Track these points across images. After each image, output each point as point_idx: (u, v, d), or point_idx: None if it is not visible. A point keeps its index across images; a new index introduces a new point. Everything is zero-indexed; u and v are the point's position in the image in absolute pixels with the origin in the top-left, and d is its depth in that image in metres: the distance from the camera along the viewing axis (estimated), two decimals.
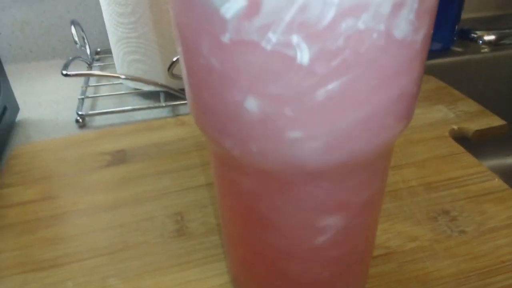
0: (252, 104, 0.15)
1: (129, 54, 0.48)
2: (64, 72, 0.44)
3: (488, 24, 0.67)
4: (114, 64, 0.51)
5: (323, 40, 0.13)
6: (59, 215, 0.33)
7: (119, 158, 0.39)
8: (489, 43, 0.61)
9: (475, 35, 0.62)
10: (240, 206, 0.21)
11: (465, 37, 0.63)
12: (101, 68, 0.58)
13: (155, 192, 0.34)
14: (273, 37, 0.14)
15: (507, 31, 0.62)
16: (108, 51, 0.58)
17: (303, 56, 0.14)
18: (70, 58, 0.50)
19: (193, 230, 0.31)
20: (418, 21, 0.14)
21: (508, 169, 0.60)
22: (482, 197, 0.32)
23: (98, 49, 0.62)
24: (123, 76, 0.47)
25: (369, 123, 0.16)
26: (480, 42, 0.62)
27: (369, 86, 0.15)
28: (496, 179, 0.33)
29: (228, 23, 0.14)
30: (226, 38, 0.14)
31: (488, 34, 0.62)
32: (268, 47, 0.14)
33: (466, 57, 0.59)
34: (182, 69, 0.19)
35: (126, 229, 0.31)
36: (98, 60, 0.60)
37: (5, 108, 0.44)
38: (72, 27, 0.53)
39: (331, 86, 0.14)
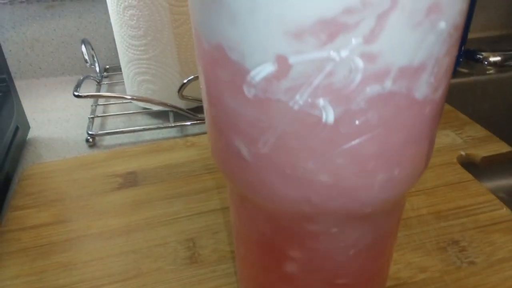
0: (275, 156, 0.16)
1: (140, 75, 0.49)
2: (76, 94, 0.44)
3: (493, 44, 0.68)
4: (123, 81, 0.52)
5: (348, 103, 0.14)
6: (72, 239, 0.33)
7: (130, 180, 0.39)
8: (494, 64, 0.62)
9: (481, 56, 0.63)
10: (256, 238, 0.21)
11: (471, 58, 0.64)
12: (110, 86, 0.59)
13: (166, 217, 0.35)
14: (300, 99, 0.14)
15: None
16: (117, 68, 0.58)
17: (328, 116, 0.14)
18: (81, 77, 0.51)
19: (205, 257, 0.31)
20: (437, 82, 0.15)
21: None
22: (491, 226, 0.32)
23: (107, 66, 0.63)
24: (129, 97, 0.47)
25: (386, 176, 0.16)
26: (486, 63, 0.62)
27: (388, 143, 0.15)
28: (504, 208, 0.34)
29: (257, 84, 0.14)
30: (250, 94, 0.15)
31: (494, 56, 0.62)
32: (296, 107, 0.14)
33: (472, 78, 0.59)
34: (205, 113, 0.19)
35: (139, 255, 0.31)
36: (107, 77, 0.61)
37: (17, 128, 0.45)
38: (83, 46, 0.53)
39: (353, 143, 0.15)
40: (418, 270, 0.29)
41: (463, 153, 0.41)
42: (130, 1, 0.44)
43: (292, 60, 0.13)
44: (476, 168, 0.40)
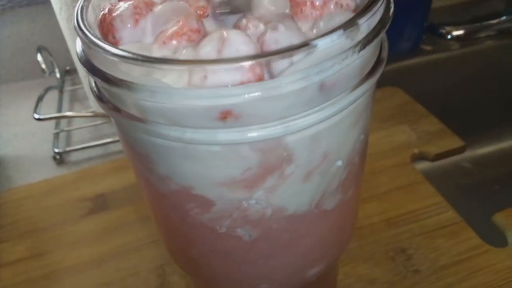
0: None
1: None
2: (37, 117, 0.44)
3: (458, 14, 0.68)
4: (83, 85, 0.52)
5: (262, 227, 0.16)
6: (48, 275, 0.35)
7: (100, 204, 0.41)
8: (457, 38, 0.62)
9: (444, 31, 0.63)
10: None
11: (434, 33, 0.64)
12: (73, 93, 0.58)
13: (137, 243, 0.37)
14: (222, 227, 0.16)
15: (477, 24, 0.63)
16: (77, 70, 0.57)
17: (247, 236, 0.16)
18: (42, 92, 0.50)
19: (174, 284, 0.33)
20: (342, 195, 0.17)
21: None
22: (436, 231, 0.35)
23: (68, 68, 0.61)
24: (92, 114, 0.47)
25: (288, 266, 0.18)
26: (449, 37, 0.63)
27: (300, 249, 0.17)
28: (450, 211, 0.36)
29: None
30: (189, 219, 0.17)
31: (457, 29, 0.62)
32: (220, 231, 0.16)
33: (435, 56, 0.60)
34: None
35: (112, 287, 0.34)
36: (68, 81, 0.60)
37: None
38: (39, 55, 0.52)
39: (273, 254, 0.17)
40: (368, 282, 0.32)
41: (416, 151, 0.43)
42: (70, 11, 0.43)
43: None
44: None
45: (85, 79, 0.49)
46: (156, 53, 0.15)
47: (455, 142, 0.44)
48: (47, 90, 0.52)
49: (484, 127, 0.58)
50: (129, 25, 0.15)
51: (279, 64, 0.13)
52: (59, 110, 0.54)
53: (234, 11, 0.17)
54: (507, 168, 0.55)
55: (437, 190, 0.38)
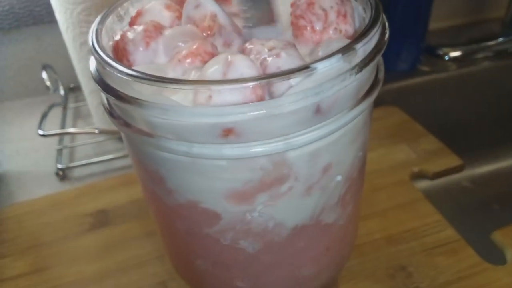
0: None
1: None
2: (41, 133, 0.45)
3: (456, 35, 0.69)
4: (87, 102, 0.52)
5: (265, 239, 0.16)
6: None
7: (101, 219, 0.41)
8: (455, 59, 0.64)
9: (441, 52, 0.64)
10: None
11: (432, 54, 0.65)
12: (76, 110, 0.59)
13: (138, 259, 0.37)
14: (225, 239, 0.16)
15: (475, 46, 0.65)
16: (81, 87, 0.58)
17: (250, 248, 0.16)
18: (46, 109, 0.51)
19: None
20: (342, 209, 0.17)
21: None
22: (436, 249, 0.35)
23: (72, 85, 0.62)
24: (96, 131, 0.48)
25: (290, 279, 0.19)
26: (447, 58, 0.64)
27: (302, 261, 0.17)
28: (449, 229, 0.37)
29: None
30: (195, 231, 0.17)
31: (454, 50, 0.64)
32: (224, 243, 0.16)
33: (433, 76, 0.61)
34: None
35: None
36: (72, 98, 0.60)
37: None
38: (44, 73, 0.53)
39: (274, 265, 0.17)
40: None
41: (415, 169, 0.43)
42: (86, 38, 0.44)
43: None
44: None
45: (89, 96, 0.50)
46: (170, 71, 0.15)
47: (454, 160, 0.44)
48: (51, 107, 0.53)
49: (481, 147, 0.59)
50: (141, 48, 0.15)
51: (280, 86, 0.14)
52: (63, 127, 0.54)
53: (256, 24, 0.18)
54: (505, 187, 0.56)
55: (436, 208, 0.39)
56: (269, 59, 0.16)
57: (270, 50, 0.16)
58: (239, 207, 0.15)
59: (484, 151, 0.59)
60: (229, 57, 0.15)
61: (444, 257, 0.35)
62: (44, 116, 0.47)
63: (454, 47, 0.65)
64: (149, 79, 0.14)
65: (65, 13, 0.43)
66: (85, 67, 0.46)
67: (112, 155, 0.49)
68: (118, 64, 0.14)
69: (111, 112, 0.16)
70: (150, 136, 0.15)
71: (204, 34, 0.17)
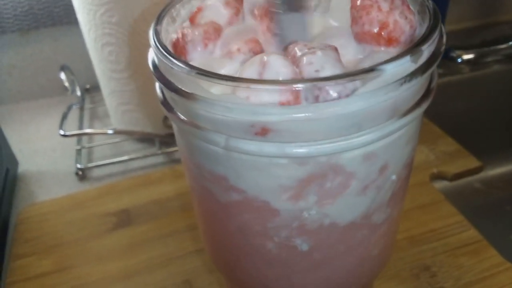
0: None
1: (123, 105, 0.49)
2: (62, 133, 0.45)
3: (468, 38, 0.70)
4: (106, 103, 0.53)
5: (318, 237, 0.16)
6: None
7: (124, 219, 0.41)
8: (468, 62, 0.64)
9: (454, 55, 0.65)
10: None
11: (445, 56, 0.65)
12: (93, 110, 0.59)
13: (162, 258, 0.37)
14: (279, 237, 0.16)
15: (487, 49, 0.65)
16: (98, 88, 0.59)
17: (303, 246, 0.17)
18: (65, 109, 0.51)
19: None
20: (390, 209, 0.17)
21: None
22: (459, 249, 0.36)
23: (88, 86, 0.63)
24: (112, 131, 0.48)
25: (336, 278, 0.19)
26: (459, 60, 0.64)
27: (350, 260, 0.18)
28: (471, 230, 0.37)
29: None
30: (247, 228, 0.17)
31: (468, 53, 0.64)
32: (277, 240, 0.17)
33: (447, 78, 0.61)
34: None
35: None
36: (88, 99, 0.61)
37: (7, 170, 0.46)
38: (62, 73, 0.54)
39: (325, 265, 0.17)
40: None
41: (435, 170, 0.44)
42: (108, 39, 0.44)
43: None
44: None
45: (108, 97, 0.50)
46: (220, 64, 0.16)
47: (473, 162, 0.44)
48: (70, 107, 0.53)
49: (496, 149, 0.59)
50: (199, 48, 0.16)
51: (345, 86, 0.14)
52: (80, 127, 0.55)
53: (287, 9, 0.18)
54: None
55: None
56: (304, 56, 0.16)
57: (309, 49, 0.17)
58: (297, 205, 0.15)
59: (499, 153, 0.60)
60: (265, 57, 0.15)
61: (467, 257, 0.35)
62: (64, 116, 0.48)
63: (467, 49, 0.65)
64: (224, 79, 0.14)
65: (88, 14, 0.44)
66: (106, 68, 0.47)
67: (130, 156, 0.50)
68: (180, 61, 0.15)
69: (166, 105, 0.17)
70: (201, 130, 0.15)
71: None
